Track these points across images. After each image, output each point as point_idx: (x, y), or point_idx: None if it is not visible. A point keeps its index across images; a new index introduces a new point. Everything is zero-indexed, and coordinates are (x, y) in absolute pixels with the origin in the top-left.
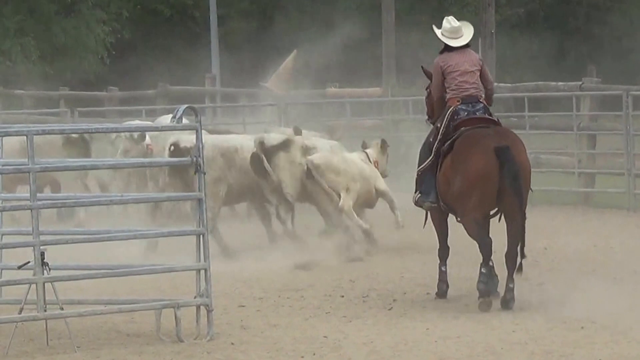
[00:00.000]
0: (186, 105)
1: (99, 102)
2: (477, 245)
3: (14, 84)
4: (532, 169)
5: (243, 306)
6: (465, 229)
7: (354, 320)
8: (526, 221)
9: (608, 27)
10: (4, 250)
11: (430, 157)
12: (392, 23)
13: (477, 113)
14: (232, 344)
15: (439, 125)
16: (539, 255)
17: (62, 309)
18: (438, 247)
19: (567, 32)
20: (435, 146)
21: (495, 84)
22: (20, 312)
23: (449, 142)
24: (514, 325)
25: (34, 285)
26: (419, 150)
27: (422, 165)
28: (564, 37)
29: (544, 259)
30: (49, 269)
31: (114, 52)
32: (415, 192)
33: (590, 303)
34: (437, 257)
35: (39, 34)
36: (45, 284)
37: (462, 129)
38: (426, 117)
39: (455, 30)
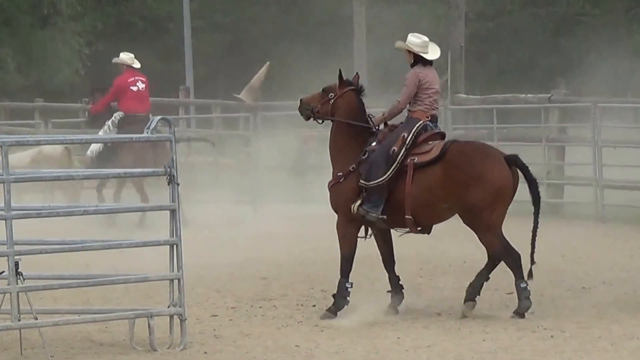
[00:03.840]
0: (160, 117)
1: (74, 114)
2: (507, 260)
3: None
4: None
5: (216, 316)
6: (487, 243)
7: (325, 329)
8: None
9: (576, 40)
10: None
11: (393, 168)
12: (364, 34)
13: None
14: (205, 353)
15: (404, 135)
16: None
17: (36, 318)
18: (343, 262)
19: (535, 45)
20: (399, 157)
21: (465, 96)
22: None
23: (424, 154)
24: (484, 334)
25: (8, 295)
26: (369, 159)
27: (384, 177)
28: (533, 50)
29: None
30: (23, 279)
31: (88, 64)
32: (362, 202)
33: (559, 312)
34: (340, 274)
35: (15, 46)
36: (20, 294)
37: (437, 141)
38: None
39: (425, 45)
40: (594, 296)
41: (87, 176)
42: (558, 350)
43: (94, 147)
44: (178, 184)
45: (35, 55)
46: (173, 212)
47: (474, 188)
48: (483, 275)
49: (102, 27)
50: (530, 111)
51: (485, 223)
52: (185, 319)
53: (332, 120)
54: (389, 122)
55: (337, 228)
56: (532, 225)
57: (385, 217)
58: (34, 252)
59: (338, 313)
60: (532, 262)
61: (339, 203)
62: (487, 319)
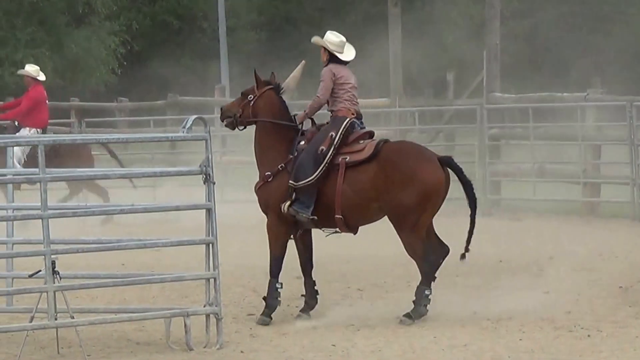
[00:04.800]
0: (195, 116)
1: (109, 113)
2: (420, 266)
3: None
4: (537, 179)
5: (252, 315)
6: (409, 244)
7: (362, 329)
8: (533, 230)
9: (612, 39)
10: (15, 259)
11: (322, 167)
12: (399, 34)
13: (365, 128)
14: (242, 352)
15: (332, 134)
16: (545, 264)
17: (72, 317)
18: (273, 263)
19: (571, 43)
20: (328, 156)
21: (500, 94)
22: (31, 321)
23: (357, 153)
24: (521, 333)
25: (44, 294)
26: (299, 159)
27: (313, 176)
28: (569, 49)
29: (550, 268)
30: (60, 278)
31: (124, 63)
32: (291, 202)
33: (596, 312)
34: (270, 274)
35: (50, 46)
36: (56, 293)
37: (368, 140)
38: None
39: (342, 45)
40: (631, 295)
41: (123, 175)
42: (595, 349)
43: (18, 154)
44: (214, 183)
45: (70, 54)
46: (209, 211)
47: (406, 187)
48: None
49: (137, 26)
50: (566, 110)
51: (410, 223)
52: (222, 318)
53: (255, 123)
54: (316, 122)
55: (268, 229)
56: (469, 225)
57: (316, 217)
58: (71, 251)
59: (272, 316)
60: (466, 249)
61: (269, 203)
62: (524, 318)
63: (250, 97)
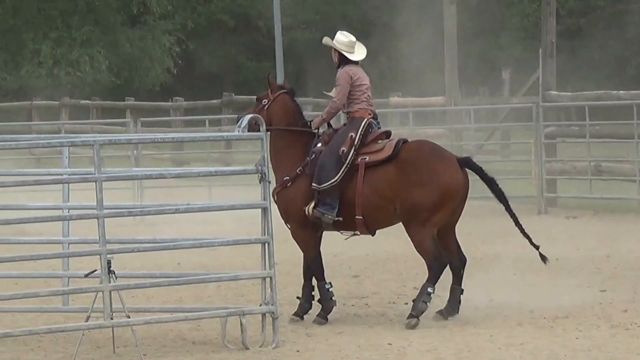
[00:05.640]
0: (251, 115)
1: (165, 112)
2: (428, 263)
3: (81, 94)
4: (593, 177)
5: (308, 314)
6: (417, 241)
7: (418, 327)
8: (589, 228)
9: None
10: (70, 258)
11: (344, 168)
12: (454, 32)
13: (381, 128)
14: (298, 351)
15: (352, 135)
16: (601, 262)
17: (128, 316)
18: (314, 268)
19: (627, 41)
20: (349, 157)
21: (556, 92)
22: (87, 320)
23: (376, 153)
24: (577, 332)
25: (100, 294)
26: (318, 161)
27: (336, 177)
28: (625, 47)
29: (607, 266)
30: (116, 277)
31: (179, 62)
32: (316, 204)
33: None
34: (316, 279)
35: (106, 45)
36: (112, 292)
37: (387, 140)
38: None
39: (351, 45)
40: None
41: (179, 174)
42: None
43: None
44: (269, 182)
45: (125, 54)
46: (264, 210)
47: (424, 187)
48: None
49: (192, 25)
50: (622, 108)
51: (422, 221)
52: (278, 317)
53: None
54: (332, 125)
55: (294, 236)
56: (512, 221)
57: (341, 218)
58: (126, 250)
59: (329, 317)
60: (536, 247)
61: (289, 209)
62: (580, 316)
63: (265, 102)
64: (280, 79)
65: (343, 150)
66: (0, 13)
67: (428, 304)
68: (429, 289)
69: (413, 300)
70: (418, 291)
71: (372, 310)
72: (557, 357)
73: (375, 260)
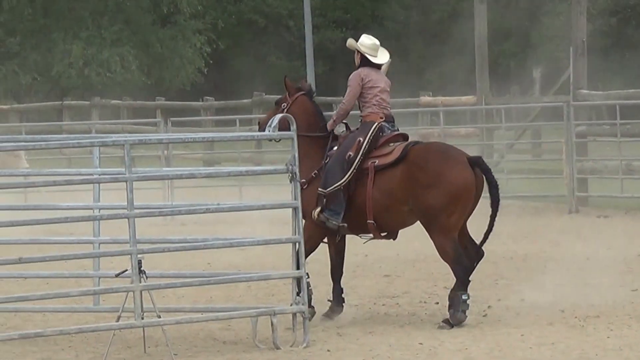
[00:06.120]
0: (282, 114)
1: (195, 112)
2: (453, 268)
3: (111, 94)
4: (624, 176)
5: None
6: (440, 246)
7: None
8: (620, 227)
9: None
10: (101, 258)
11: (350, 173)
12: (485, 32)
13: (397, 131)
14: (328, 350)
15: (360, 140)
16: (632, 261)
17: (159, 316)
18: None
19: None
20: (356, 162)
21: (587, 91)
22: (118, 320)
23: (385, 156)
24: (609, 331)
25: (131, 293)
26: (328, 165)
27: (341, 181)
28: None
29: (638, 265)
30: (146, 277)
31: (210, 62)
32: (321, 210)
33: None
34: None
35: (136, 45)
36: (143, 292)
37: (398, 143)
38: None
39: (375, 48)
40: None
41: (209, 174)
42: None
43: None
44: (300, 182)
45: (156, 53)
46: (295, 210)
47: (433, 189)
48: None
49: (222, 25)
50: None
51: (441, 225)
52: (308, 317)
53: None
54: (351, 127)
55: (304, 230)
56: (487, 224)
57: (346, 224)
58: (157, 250)
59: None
60: (481, 244)
61: (305, 212)
62: (612, 315)
63: (284, 106)
64: (310, 78)
65: (349, 155)
66: (30, 13)
67: (467, 312)
68: (463, 297)
69: (449, 307)
70: (451, 300)
71: (402, 310)
72: (588, 357)
73: (406, 260)
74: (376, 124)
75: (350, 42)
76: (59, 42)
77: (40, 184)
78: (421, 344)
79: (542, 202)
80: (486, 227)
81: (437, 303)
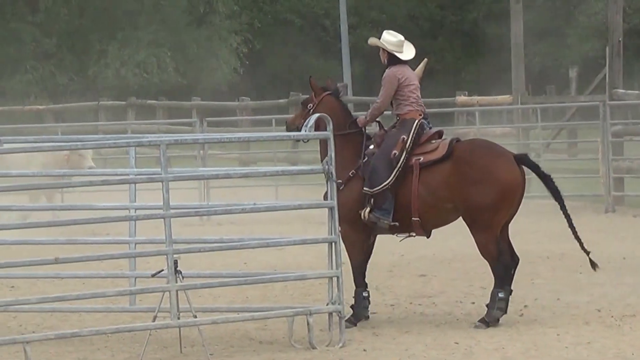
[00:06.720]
0: (318, 114)
1: (231, 112)
2: (493, 266)
3: (147, 94)
4: None
5: (374, 313)
6: (482, 244)
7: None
8: None
9: None
10: (137, 258)
11: (396, 171)
12: (521, 31)
13: (432, 128)
14: (364, 350)
15: (404, 137)
16: None
17: (195, 316)
18: (355, 272)
19: None
20: (401, 160)
21: (623, 91)
22: (154, 320)
23: (430, 153)
24: None
25: (167, 293)
26: (372, 164)
27: (388, 181)
28: None
29: None
30: (182, 277)
31: (246, 62)
32: (371, 209)
33: None
34: (355, 284)
35: (172, 45)
36: (179, 292)
37: (440, 140)
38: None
39: (401, 44)
40: None
41: (245, 174)
42: None
43: None
44: (336, 181)
45: (192, 54)
46: (331, 210)
47: (481, 186)
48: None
49: (259, 25)
50: None
51: (485, 222)
52: (344, 317)
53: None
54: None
55: (343, 238)
56: (566, 221)
57: (397, 223)
58: (193, 250)
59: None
60: (587, 253)
61: (341, 211)
62: None
63: (310, 106)
64: (346, 78)
65: (395, 154)
66: (66, 14)
67: (503, 310)
68: (500, 294)
69: (487, 305)
70: (490, 298)
71: (439, 310)
72: (625, 356)
73: (442, 259)
74: (417, 121)
75: (372, 40)
76: (94, 43)
77: (77, 184)
78: (457, 343)
79: (578, 202)
80: (570, 229)
81: (474, 303)
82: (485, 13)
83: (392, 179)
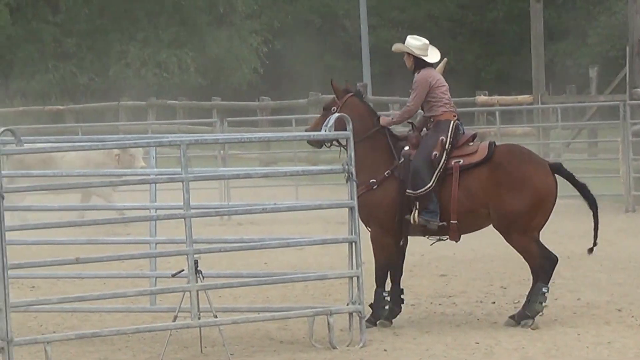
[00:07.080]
0: (338, 114)
1: (251, 112)
2: (539, 263)
3: (168, 94)
4: None
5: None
6: (522, 248)
7: (505, 326)
8: None
9: None
10: (158, 258)
11: (437, 172)
12: (541, 31)
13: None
14: (385, 350)
15: (442, 138)
16: None
17: (215, 316)
18: (379, 272)
19: None
20: (442, 161)
21: None
22: (174, 320)
23: (469, 155)
24: None
25: (187, 293)
26: (413, 166)
27: (431, 183)
28: None
29: None
30: (203, 277)
31: (266, 62)
32: (420, 211)
33: None
34: (376, 283)
35: (193, 46)
36: (199, 292)
37: (478, 142)
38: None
39: (425, 47)
40: None
41: (266, 174)
42: None
43: None
44: (356, 182)
45: (212, 54)
46: (351, 210)
47: (518, 192)
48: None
49: (279, 24)
50: None
51: (521, 228)
52: (365, 317)
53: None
54: (417, 126)
55: (373, 240)
56: (593, 227)
57: (445, 223)
58: (213, 250)
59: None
60: (594, 244)
61: (374, 212)
62: None
63: (334, 109)
64: (366, 79)
65: (435, 155)
66: (87, 14)
67: (544, 304)
68: (544, 289)
69: (527, 301)
70: (531, 291)
71: (459, 309)
72: None
73: (462, 259)
74: (452, 122)
75: (397, 46)
76: (115, 43)
77: (98, 184)
78: (477, 343)
79: (598, 202)
80: (593, 225)
81: (494, 303)
82: (505, 12)
83: (434, 181)
